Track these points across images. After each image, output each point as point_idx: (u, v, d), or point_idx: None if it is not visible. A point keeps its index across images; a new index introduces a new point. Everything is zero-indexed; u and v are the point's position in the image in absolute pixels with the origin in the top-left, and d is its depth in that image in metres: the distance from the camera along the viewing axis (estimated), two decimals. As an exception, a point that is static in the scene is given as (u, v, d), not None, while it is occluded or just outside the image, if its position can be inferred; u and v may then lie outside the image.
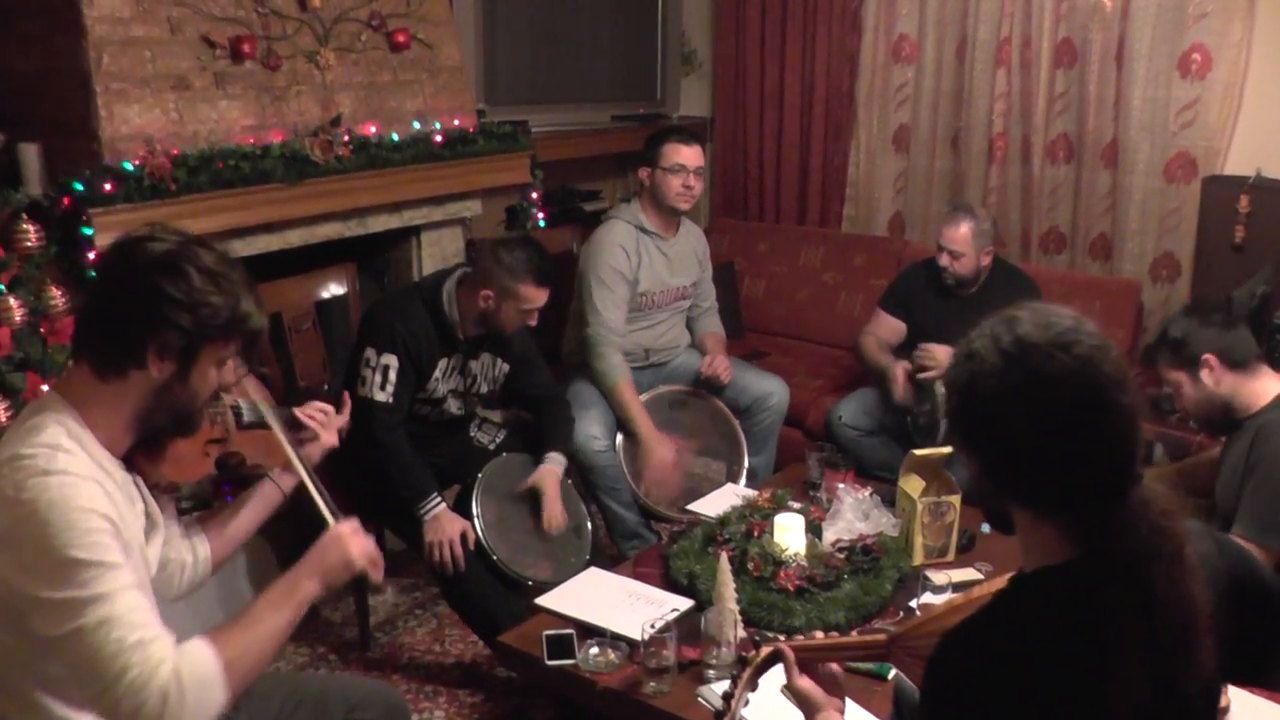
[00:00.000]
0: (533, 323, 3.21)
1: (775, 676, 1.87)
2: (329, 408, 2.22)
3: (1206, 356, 2.61)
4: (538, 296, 3.14)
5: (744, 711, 1.86)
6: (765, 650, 1.86)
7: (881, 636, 1.89)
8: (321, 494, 1.98)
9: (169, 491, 1.95)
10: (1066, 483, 1.37)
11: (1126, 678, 1.31)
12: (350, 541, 1.86)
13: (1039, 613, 1.37)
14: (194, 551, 2.02)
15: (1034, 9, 4.55)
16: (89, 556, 1.56)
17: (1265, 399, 2.60)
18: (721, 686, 2.36)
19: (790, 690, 1.83)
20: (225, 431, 2.02)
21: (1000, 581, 1.69)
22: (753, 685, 1.87)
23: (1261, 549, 2.42)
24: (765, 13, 5.32)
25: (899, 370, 3.85)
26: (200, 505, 2.74)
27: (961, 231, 3.83)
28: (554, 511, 3.24)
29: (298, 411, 2.18)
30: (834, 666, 1.86)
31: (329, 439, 2.20)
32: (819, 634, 1.96)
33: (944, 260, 3.87)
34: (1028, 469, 1.39)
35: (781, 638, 2.50)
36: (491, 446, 3.44)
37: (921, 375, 3.76)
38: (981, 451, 1.44)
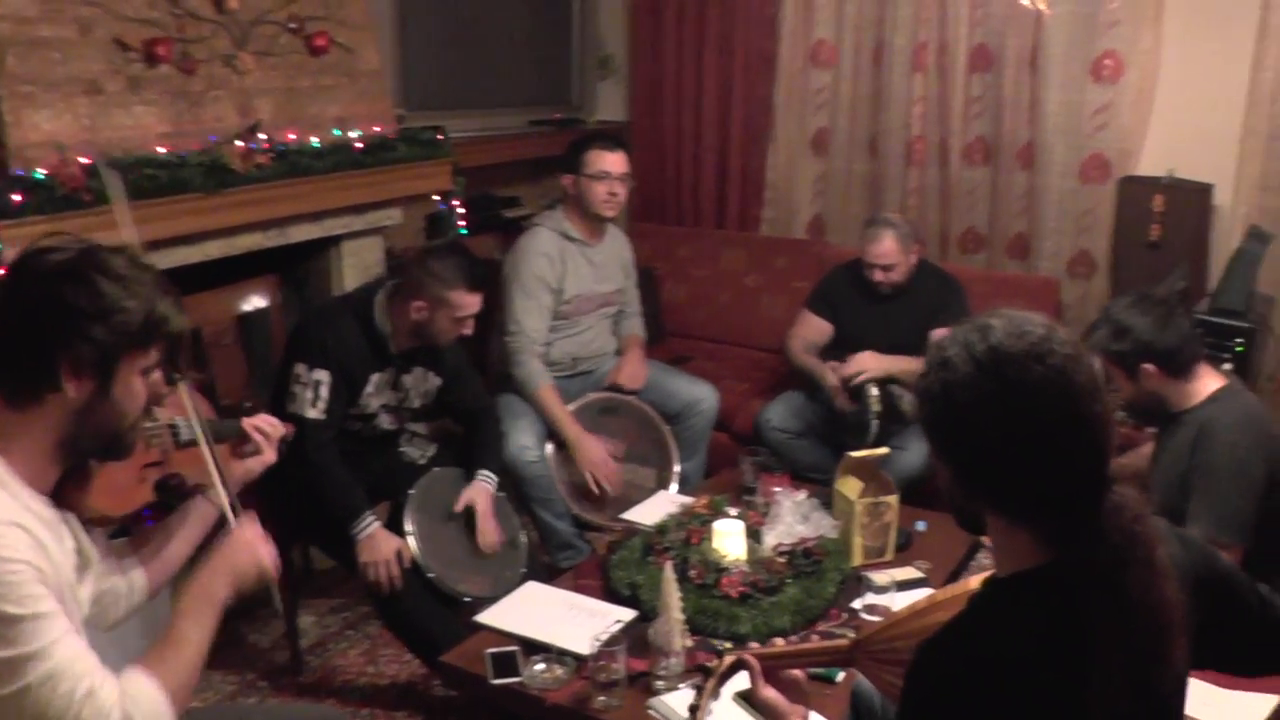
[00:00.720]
0: (468, 331, 3.15)
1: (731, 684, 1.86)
2: (276, 421, 2.14)
3: (1146, 368, 2.62)
4: (471, 303, 3.08)
5: (707, 721, 1.84)
6: (728, 659, 1.84)
7: (844, 642, 1.89)
8: (228, 491, 1.93)
9: (103, 525, 1.85)
10: (1039, 490, 1.37)
11: (1105, 681, 1.32)
12: (259, 545, 1.84)
13: (1018, 619, 1.38)
14: (129, 581, 1.93)
15: (950, 15, 4.61)
16: (22, 611, 1.48)
17: (1202, 396, 2.64)
18: (672, 697, 2.35)
19: (755, 699, 1.81)
20: (163, 453, 1.93)
21: (963, 585, 1.70)
22: (716, 695, 1.85)
23: (1223, 548, 2.45)
24: (681, 17, 5.31)
25: (831, 376, 3.86)
26: (119, 534, 2.62)
27: (887, 245, 3.86)
28: (488, 529, 3.19)
29: (246, 423, 2.10)
30: (797, 673, 1.84)
31: (270, 454, 2.12)
32: (779, 641, 1.95)
33: (878, 276, 3.89)
34: (1001, 476, 1.40)
35: (728, 644, 2.50)
36: (422, 461, 3.36)
37: (854, 381, 3.77)
38: (954, 458, 1.45)
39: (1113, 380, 2.69)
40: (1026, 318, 1.40)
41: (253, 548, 1.83)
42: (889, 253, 3.86)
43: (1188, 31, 4.22)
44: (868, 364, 3.76)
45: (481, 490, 3.22)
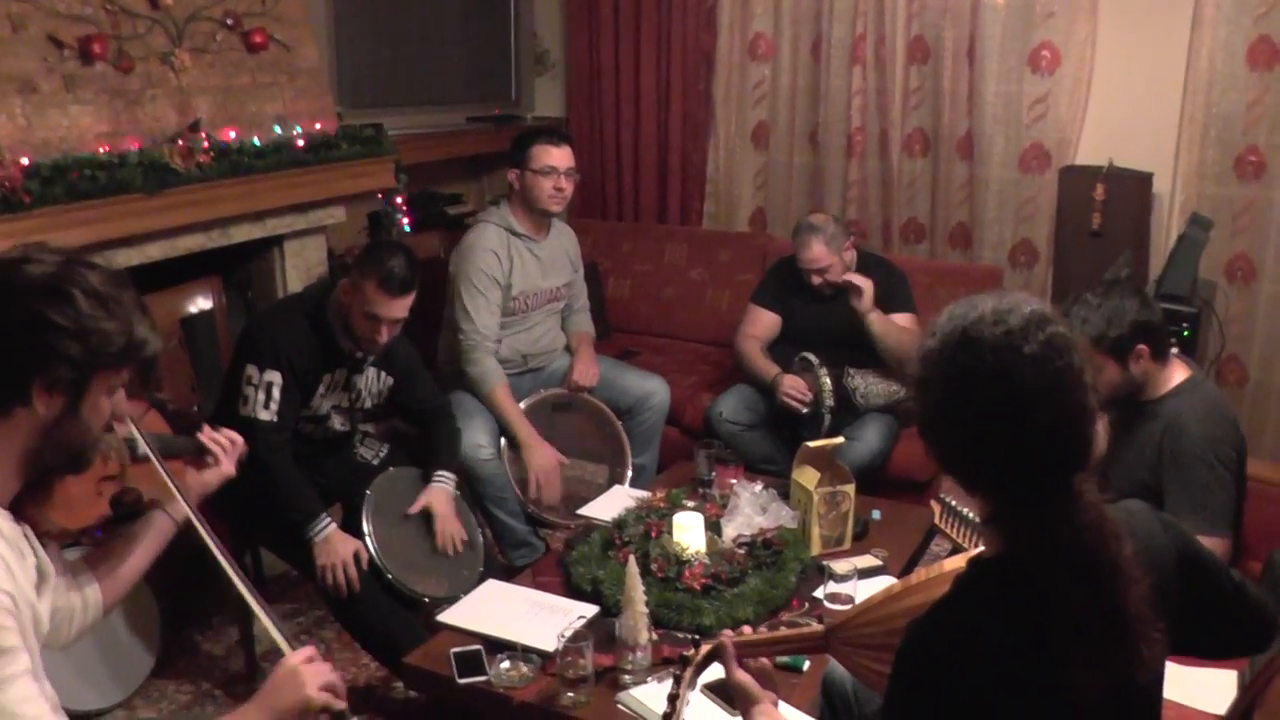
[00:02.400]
0: (380, 338, 2.99)
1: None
2: (237, 437, 2.11)
3: (1140, 348, 2.62)
4: (378, 300, 2.91)
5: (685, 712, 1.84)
6: (705, 647, 1.84)
7: (819, 629, 1.90)
8: (271, 617, 1.82)
9: (59, 538, 1.79)
10: (974, 476, 1.42)
11: (1069, 668, 1.34)
12: (307, 675, 1.71)
13: (999, 600, 1.39)
14: (84, 597, 1.87)
15: (887, 7, 4.65)
16: None
17: (1170, 385, 2.67)
18: (641, 691, 2.35)
19: (730, 682, 1.82)
20: (120, 466, 1.88)
21: (937, 569, 1.71)
22: (693, 684, 1.85)
23: (1219, 539, 2.50)
24: (618, 12, 5.29)
25: (786, 382, 3.85)
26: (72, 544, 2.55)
27: (816, 251, 3.87)
28: (449, 530, 3.15)
29: (204, 438, 2.06)
30: (764, 661, 1.85)
31: (229, 468, 2.10)
32: (746, 629, 1.96)
33: (815, 280, 3.91)
34: (944, 447, 1.43)
35: (695, 637, 2.50)
36: (375, 462, 3.32)
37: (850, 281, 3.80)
38: (928, 434, 1.47)
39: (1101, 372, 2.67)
40: (1016, 305, 1.39)
41: (299, 679, 1.70)
42: (819, 257, 3.87)
43: (1123, 22, 4.29)
44: (867, 283, 3.79)
45: (439, 492, 3.19)
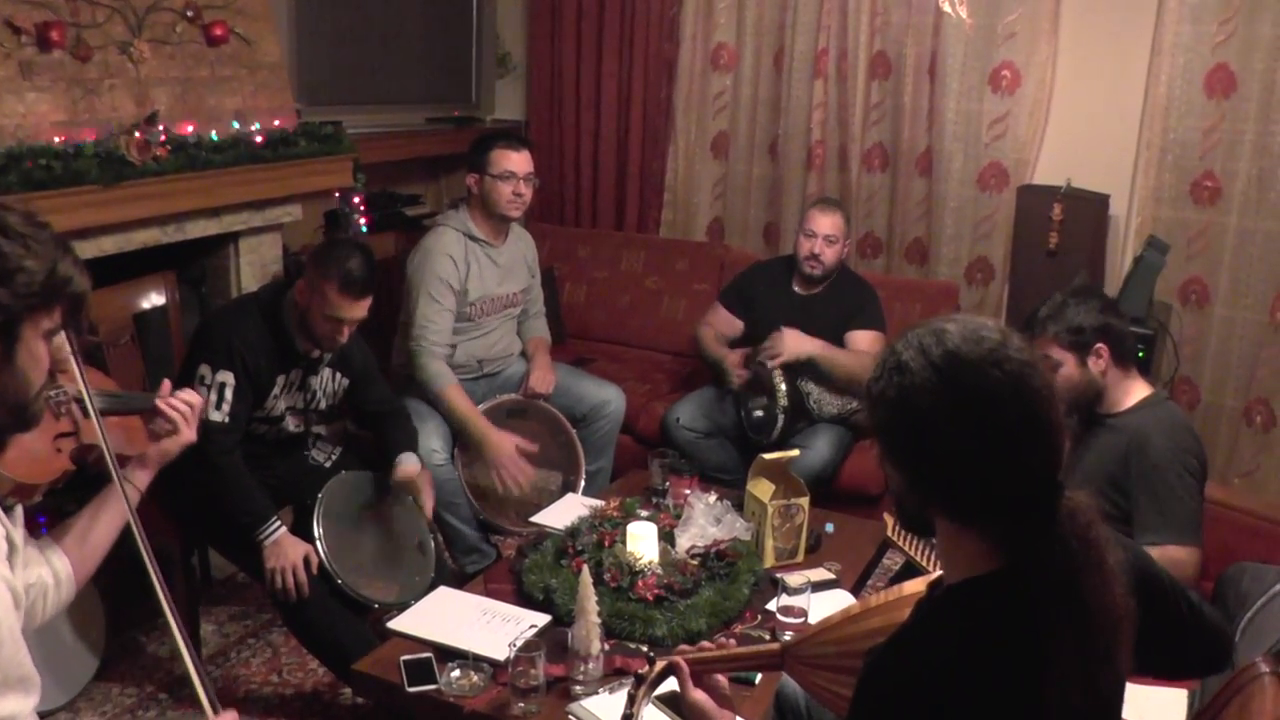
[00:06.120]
0: (341, 338, 2.99)
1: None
2: (195, 398, 2.02)
3: (1099, 346, 2.66)
4: (340, 304, 2.90)
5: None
6: (659, 665, 1.83)
7: (775, 646, 1.89)
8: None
9: (22, 496, 1.72)
10: (997, 496, 1.36)
11: (1063, 685, 1.31)
12: None
13: (973, 624, 1.37)
14: (54, 571, 1.80)
15: (850, 22, 4.67)
16: None
17: (1132, 400, 2.70)
18: (592, 702, 2.33)
19: (685, 702, 1.80)
20: (73, 424, 1.81)
21: (896, 591, 1.70)
22: (647, 702, 1.83)
23: (1188, 549, 2.53)
24: (581, 18, 5.28)
25: (734, 357, 3.92)
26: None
27: (832, 221, 3.93)
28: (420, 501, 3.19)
29: (160, 402, 1.98)
30: (720, 679, 1.84)
31: (189, 434, 2.01)
32: (707, 645, 1.94)
33: (817, 247, 3.92)
34: (958, 482, 1.37)
35: (644, 648, 2.49)
36: (328, 465, 3.27)
37: (771, 363, 3.80)
38: (909, 464, 1.42)
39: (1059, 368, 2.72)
40: (981, 322, 1.39)
41: None
42: (835, 224, 3.93)
43: (1083, 46, 4.34)
44: (789, 344, 3.80)
45: (412, 468, 3.19)
